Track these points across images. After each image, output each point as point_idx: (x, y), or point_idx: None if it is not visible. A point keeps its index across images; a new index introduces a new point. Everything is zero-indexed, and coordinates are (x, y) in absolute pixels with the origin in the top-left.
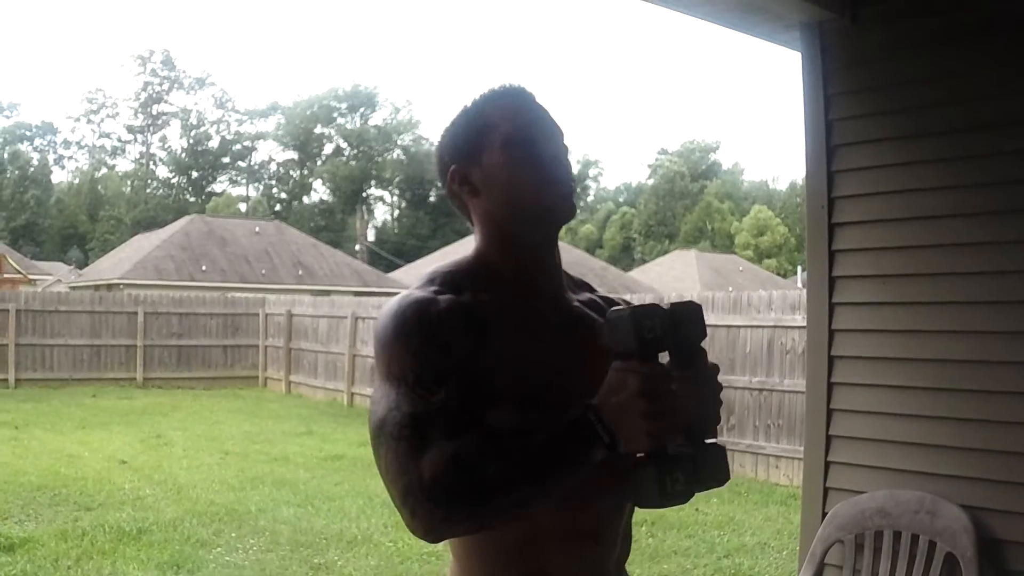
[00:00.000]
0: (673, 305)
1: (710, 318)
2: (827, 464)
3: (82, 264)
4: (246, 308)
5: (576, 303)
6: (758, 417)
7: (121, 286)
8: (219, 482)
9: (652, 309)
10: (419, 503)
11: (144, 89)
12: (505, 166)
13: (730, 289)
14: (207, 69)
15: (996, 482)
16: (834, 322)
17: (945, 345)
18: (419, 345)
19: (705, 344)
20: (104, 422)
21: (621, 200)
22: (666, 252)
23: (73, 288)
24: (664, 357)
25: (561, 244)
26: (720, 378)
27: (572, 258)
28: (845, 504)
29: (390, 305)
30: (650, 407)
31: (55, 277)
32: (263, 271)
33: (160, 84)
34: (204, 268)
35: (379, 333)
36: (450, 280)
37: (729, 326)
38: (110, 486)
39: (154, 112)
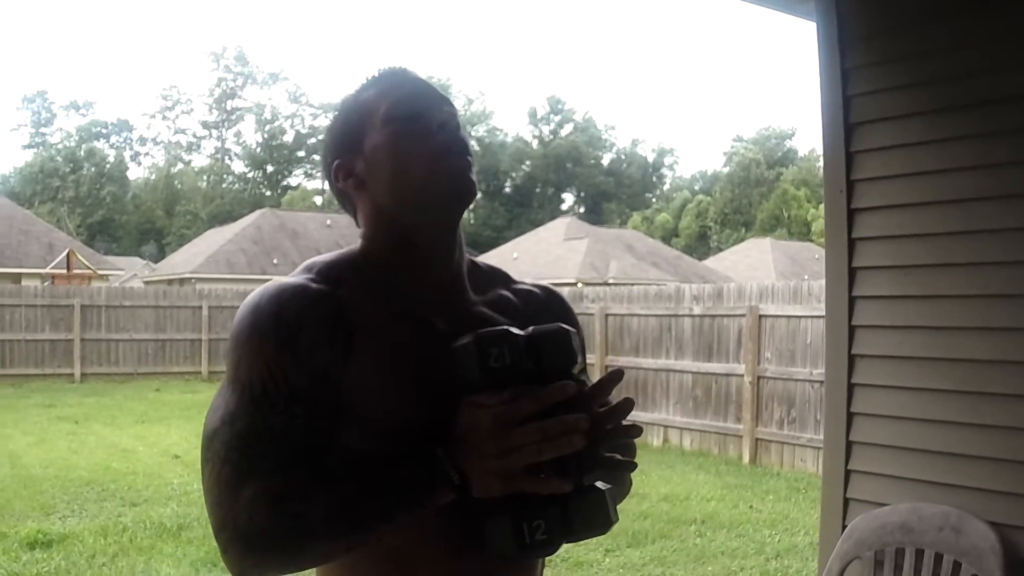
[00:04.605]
0: (535, 330)
1: (769, 307)
2: (847, 473)
3: (158, 259)
4: None
5: (478, 306)
6: (819, 410)
7: (193, 280)
8: None
9: (500, 335)
10: (231, 542)
11: (218, 85)
12: (388, 145)
13: (806, 277)
14: (280, 64)
15: None
16: (855, 317)
17: (974, 343)
18: (273, 351)
19: (753, 337)
20: (164, 416)
21: (696, 188)
22: (742, 240)
23: (147, 283)
24: None
25: (636, 233)
26: (780, 370)
27: (646, 247)
28: (865, 518)
29: (253, 295)
30: (499, 446)
31: (128, 272)
32: None
33: (234, 80)
34: (276, 261)
35: (234, 327)
36: (327, 270)
37: (790, 316)
38: (159, 481)
39: (228, 107)
